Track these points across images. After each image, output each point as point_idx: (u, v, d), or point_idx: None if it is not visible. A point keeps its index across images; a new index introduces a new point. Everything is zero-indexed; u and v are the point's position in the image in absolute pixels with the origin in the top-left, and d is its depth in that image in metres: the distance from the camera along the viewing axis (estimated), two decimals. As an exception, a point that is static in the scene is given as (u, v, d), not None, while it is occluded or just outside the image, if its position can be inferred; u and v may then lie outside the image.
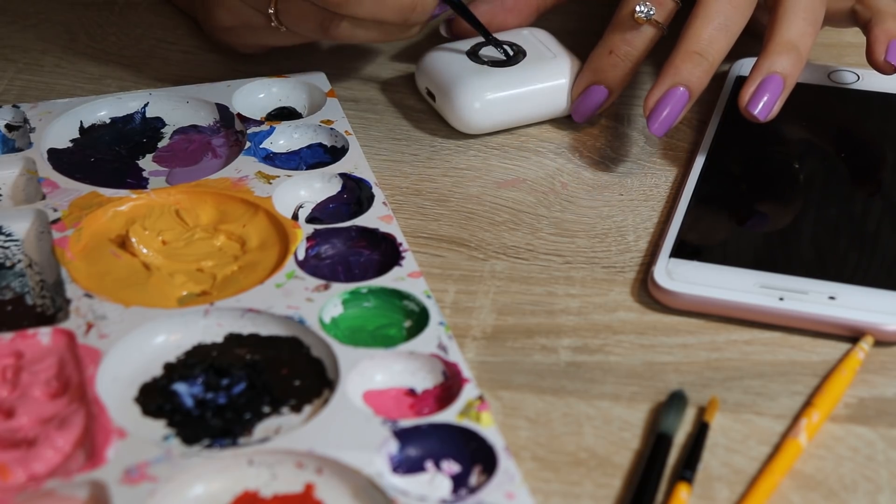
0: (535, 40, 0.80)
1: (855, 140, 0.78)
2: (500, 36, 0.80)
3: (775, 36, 0.74)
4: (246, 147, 0.76)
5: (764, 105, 0.73)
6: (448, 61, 0.79)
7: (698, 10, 0.74)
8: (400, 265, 0.68)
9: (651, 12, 0.75)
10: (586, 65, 0.78)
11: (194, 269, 0.69)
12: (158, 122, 0.79)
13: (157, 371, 0.63)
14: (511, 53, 0.79)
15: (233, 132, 0.78)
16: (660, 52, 0.78)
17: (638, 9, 0.76)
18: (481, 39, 0.80)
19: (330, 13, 0.74)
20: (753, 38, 0.78)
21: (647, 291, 0.69)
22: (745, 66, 0.81)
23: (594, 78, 0.77)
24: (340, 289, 0.67)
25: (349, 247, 0.70)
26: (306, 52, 0.85)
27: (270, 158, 0.76)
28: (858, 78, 0.81)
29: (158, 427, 0.61)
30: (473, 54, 0.79)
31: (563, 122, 0.80)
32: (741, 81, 0.80)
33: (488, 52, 0.79)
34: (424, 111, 0.81)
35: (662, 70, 0.74)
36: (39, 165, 0.74)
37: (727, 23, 0.74)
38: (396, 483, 0.58)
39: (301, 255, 0.69)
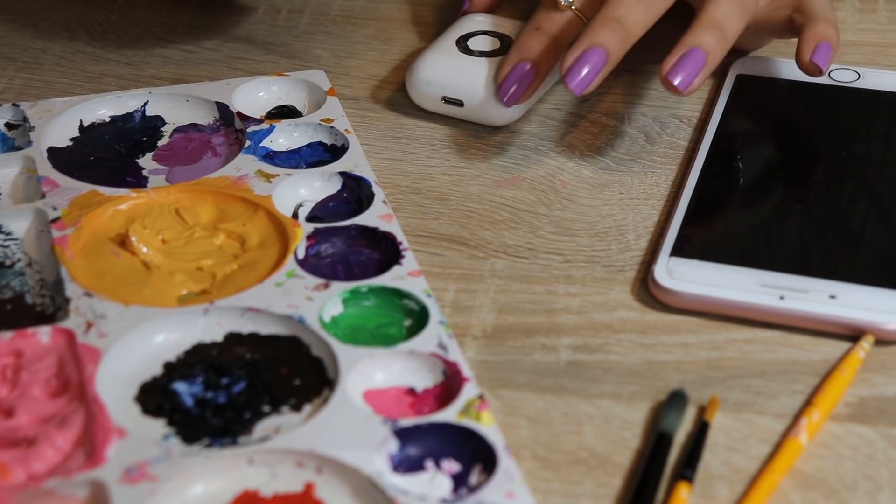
0: (499, 25, 0.82)
1: (855, 139, 0.78)
2: (469, 29, 0.82)
3: (702, 14, 0.74)
4: (246, 146, 0.76)
5: (684, 77, 0.73)
6: (455, 65, 0.79)
7: None
8: (400, 264, 0.68)
9: (573, 1, 0.77)
10: (513, 46, 0.78)
11: (194, 268, 0.69)
12: (158, 121, 0.79)
13: (157, 370, 0.63)
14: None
15: (233, 131, 0.78)
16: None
17: None
18: (463, 33, 0.81)
19: None
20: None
21: (647, 290, 0.69)
22: (745, 65, 0.81)
23: (520, 56, 0.77)
24: (340, 287, 0.67)
25: (349, 245, 0.70)
26: (306, 49, 0.85)
27: (270, 157, 0.76)
28: (858, 77, 0.81)
29: (158, 426, 0.61)
30: (466, 50, 0.79)
31: (564, 121, 0.80)
32: (741, 80, 0.80)
33: (476, 44, 0.80)
34: (425, 110, 0.81)
35: (579, 35, 0.74)
36: (39, 164, 0.74)
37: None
38: (396, 482, 0.58)
39: (301, 254, 0.69)
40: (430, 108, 0.80)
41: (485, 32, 0.81)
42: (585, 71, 0.73)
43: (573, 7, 0.77)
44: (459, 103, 0.78)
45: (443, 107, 0.79)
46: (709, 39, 0.73)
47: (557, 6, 0.77)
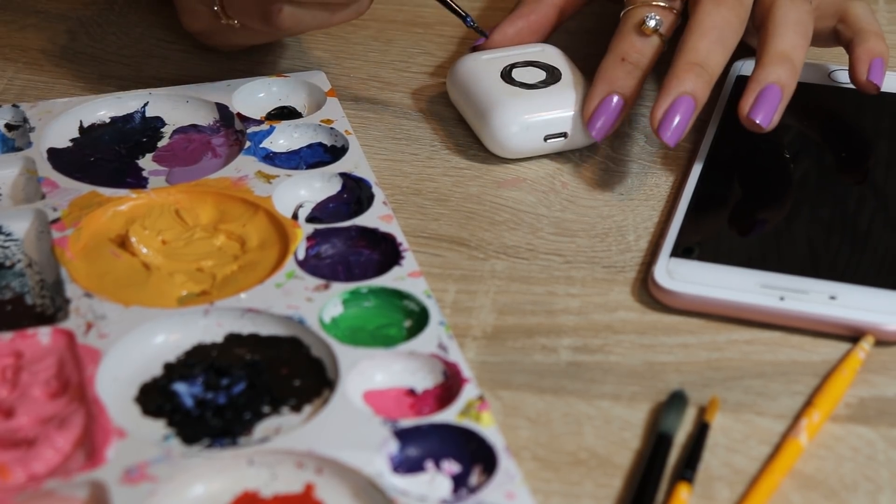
0: (558, 58, 0.80)
1: (855, 139, 0.78)
2: (520, 55, 0.80)
3: (769, 48, 0.74)
4: (246, 146, 0.76)
5: (765, 114, 0.73)
6: (542, 101, 0.76)
7: (694, 24, 0.75)
8: (400, 265, 0.68)
9: (659, 25, 0.76)
10: (597, 76, 0.76)
11: (194, 269, 0.69)
12: (158, 122, 0.79)
13: (157, 371, 0.63)
14: (471, 20, 0.80)
15: (233, 132, 0.78)
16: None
17: (647, 20, 0.76)
18: (495, 70, 0.78)
19: (270, 2, 0.73)
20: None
21: (647, 291, 0.69)
22: (745, 65, 0.81)
23: (609, 88, 0.75)
24: (340, 288, 0.67)
25: (349, 246, 0.70)
26: (306, 50, 0.85)
27: (270, 158, 0.76)
28: (859, 77, 0.81)
29: (158, 427, 0.61)
30: (525, 85, 0.77)
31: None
32: (741, 81, 0.80)
33: (523, 77, 0.78)
34: (424, 111, 0.81)
35: (665, 82, 0.74)
36: (39, 165, 0.74)
37: (722, 37, 0.74)
38: (396, 483, 0.58)
39: (301, 255, 0.69)
40: (526, 154, 0.77)
41: (515, 65, 0.78)
42: (677, 121, 0.73)
43: (659, 31, 0.76)
44: (564, 135, 0.76)
45: (542, 147, 0.76)
46: (781, 73, 0.73)
47: (644, 32, 0.76)
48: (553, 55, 0.80)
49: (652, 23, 0.76)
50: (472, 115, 0.78)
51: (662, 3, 0.77)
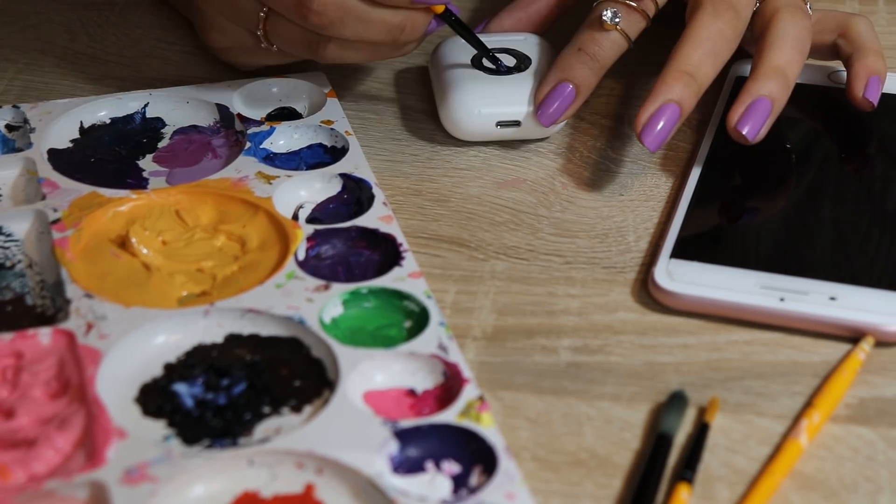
0: (536, 48, 0.80)
1: (855, 140, 0.78)
2: (500, 41, 0.80)
3: (764, 61, 0.74)
4: (246, 147, 0.76)
5: (752, 126, 0.73)
6: (499, 87, 0.77)
7: (688, 34, 0.75)
8: (400, 265, 0.68)
9: (616, 19, 0.76)
10: (553, 65, 0.77)
11: (194, 270, 0.69)
12: (158, 123, 0.79)
13: (158, 371, 0.63)
14: (505, 67, 0.78)
15: (233, 132, 0.78)
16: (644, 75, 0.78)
17: (604, 13, 0.76)
18: (467, 53, 0.78)
19: (317, 35, 0.74)
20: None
21: (647, 292, 0.69)
22: (744, 66, 0.81)
23: (562, 76, 0.76)
24: (340, 289, 0.67)
25: (349, 247, 0.70)
26: (306, 52, 0.85)
27: (270, 159, 0.76)
28: (859, 78, 0.81)
29: (158, 427, 0.61)
30: (491, 70, 0.78)
31: (564, 122, 0.80)
32: (741, 81, 0.80)
33: (490, 61, 0.78)
34: (424, 111, 0.81)
35: (653, 87, 0.74)
36: (39, 166, 0.74)
37: (716, 49, 0.75)
38: (396, 483, 0.58)
39: (301, 256, 0.69)
40: (479, 138, 0.77)
41: (490, 51, 0.79)
42: (660, 127, 0.73)
43: (619, 27, 0.77)
44: (516, 123, 0.77)
45: (494, 132, 0.77)
46: (773, 87, 0.74)
47: (602, 26, 0.76)
48: (533, 45, 0.80)
49: (608, 15, 0.76)
50: (436, 96, 0.79)
51: (629, 2, 0.77)
